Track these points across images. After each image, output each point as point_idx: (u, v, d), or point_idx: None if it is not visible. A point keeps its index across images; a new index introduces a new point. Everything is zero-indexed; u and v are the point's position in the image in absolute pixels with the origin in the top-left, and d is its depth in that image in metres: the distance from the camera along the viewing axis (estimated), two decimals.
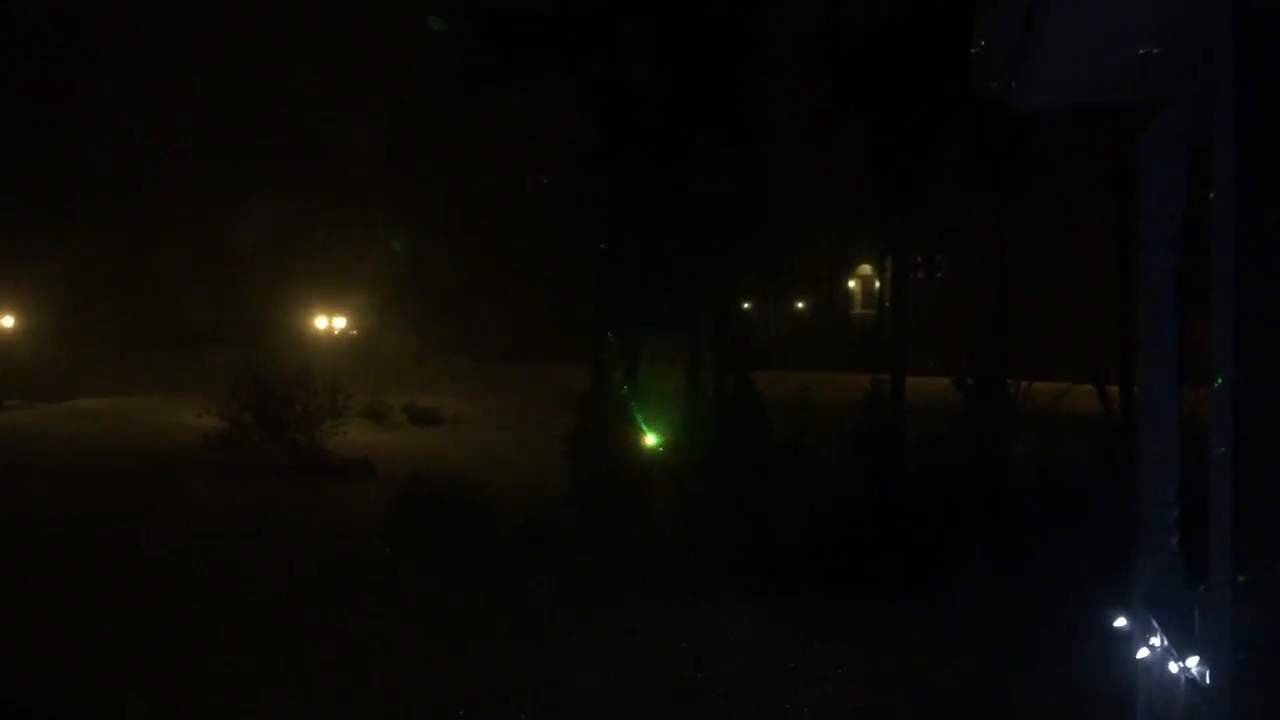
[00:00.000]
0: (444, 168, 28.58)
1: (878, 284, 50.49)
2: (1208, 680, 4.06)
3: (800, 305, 52.03)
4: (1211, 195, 3.73)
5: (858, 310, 53.27)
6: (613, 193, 25.22)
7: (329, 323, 34.79)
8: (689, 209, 25.08)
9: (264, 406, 26.60)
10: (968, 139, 23.93)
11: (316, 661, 11.07)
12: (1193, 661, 4.51)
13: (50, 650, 11.17)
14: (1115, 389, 22.50)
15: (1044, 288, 25.95)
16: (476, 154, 26.68)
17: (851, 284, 53.99)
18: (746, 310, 40.08)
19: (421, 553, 15.33)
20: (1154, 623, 5.25)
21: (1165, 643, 5.08)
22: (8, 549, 15.87)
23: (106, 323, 40.25)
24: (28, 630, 11.91)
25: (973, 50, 5.50)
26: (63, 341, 38.75)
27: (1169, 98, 5.22)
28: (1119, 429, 18.76)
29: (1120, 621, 5.58)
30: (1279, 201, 3.40)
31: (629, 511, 18.08)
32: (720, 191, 25.26)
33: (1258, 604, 3.49)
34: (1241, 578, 3.45)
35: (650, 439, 20.85)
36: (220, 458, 25.27)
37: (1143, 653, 5.32)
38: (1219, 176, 3.66)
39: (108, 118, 37.63)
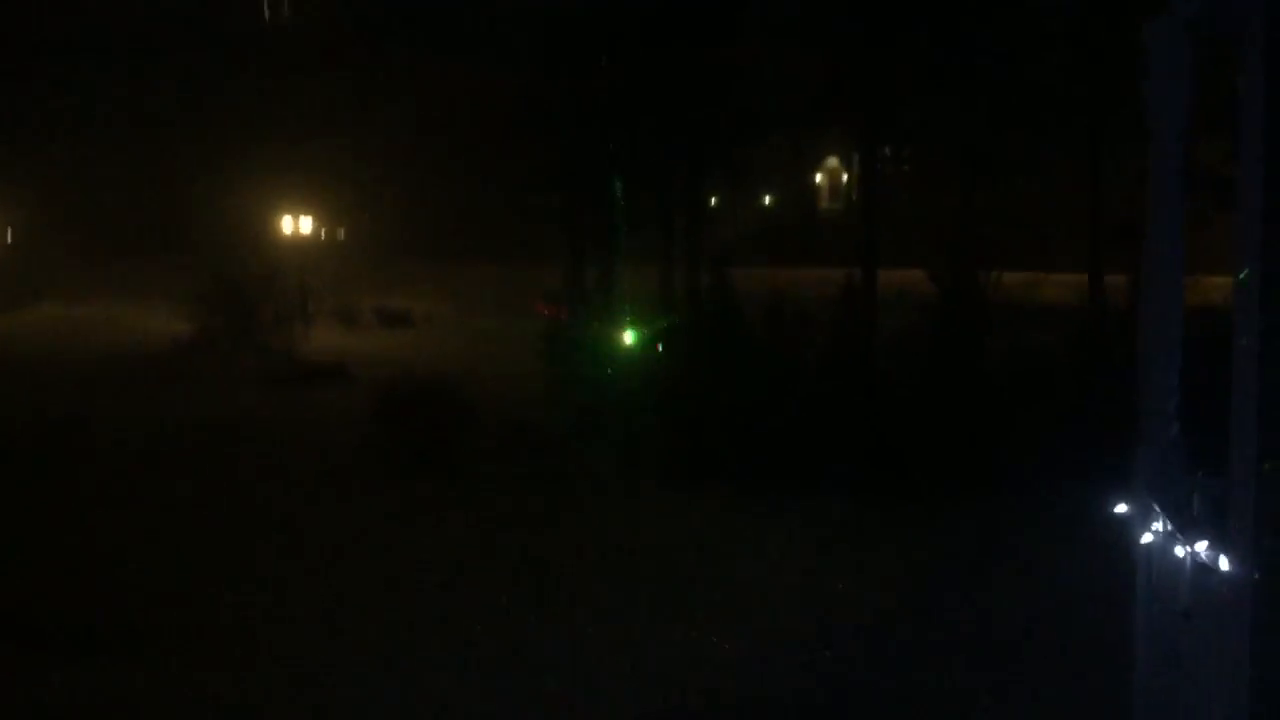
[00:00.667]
0: (411, 67, 28.02)
1: (845, 178, 50.32)
2: (1222, 564, 4.17)
3: (767, 201, 51.78)
4: (1239, 86, 3.72)
5: (825, 205, 53.07)
6: (581, 90, 24.88)
7: (295, 225, 34.30)
8: (657, 103, 24.80)
9: (234, 311, 26.37)
10: (937, 27, 23.63)
11: (300, 560, 11.15)
12: (1201, 545, 4.61)
13: (23, 555, 11.15)
14: (1085, 277, 22.71)
15: (1014, 179, 25.93)
16: (444, 53, 26.14)
17: (819, 178, 53.71)
18: (714, 206, 39.83)
19: (402, 455, 15.36)
20: (1156, 508, 5.36)
21: (1169, 527, 5.19)
22: None
23: (71, 229, 39.60)
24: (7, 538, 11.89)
25: None
26: (26, 248, 38.12)
27: None
28: (1105, 318, 18.91)
29: (1121, 507, 5.69)
30: None
31: (604, 410, 18.15)
32: (688, 85, 24.95)
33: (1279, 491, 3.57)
34: (1267, 465, 3.53)
35: (625, 337, 20.85)
36: (190, 363, 25.12)
37: (1146, 537, 5.43)
38: (1248, 69, 3.65)
39: (65, 21, 36.56)
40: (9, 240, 38.26)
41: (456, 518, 12.94)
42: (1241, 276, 3.46)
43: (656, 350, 19.17)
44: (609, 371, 19.19)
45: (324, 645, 8.77)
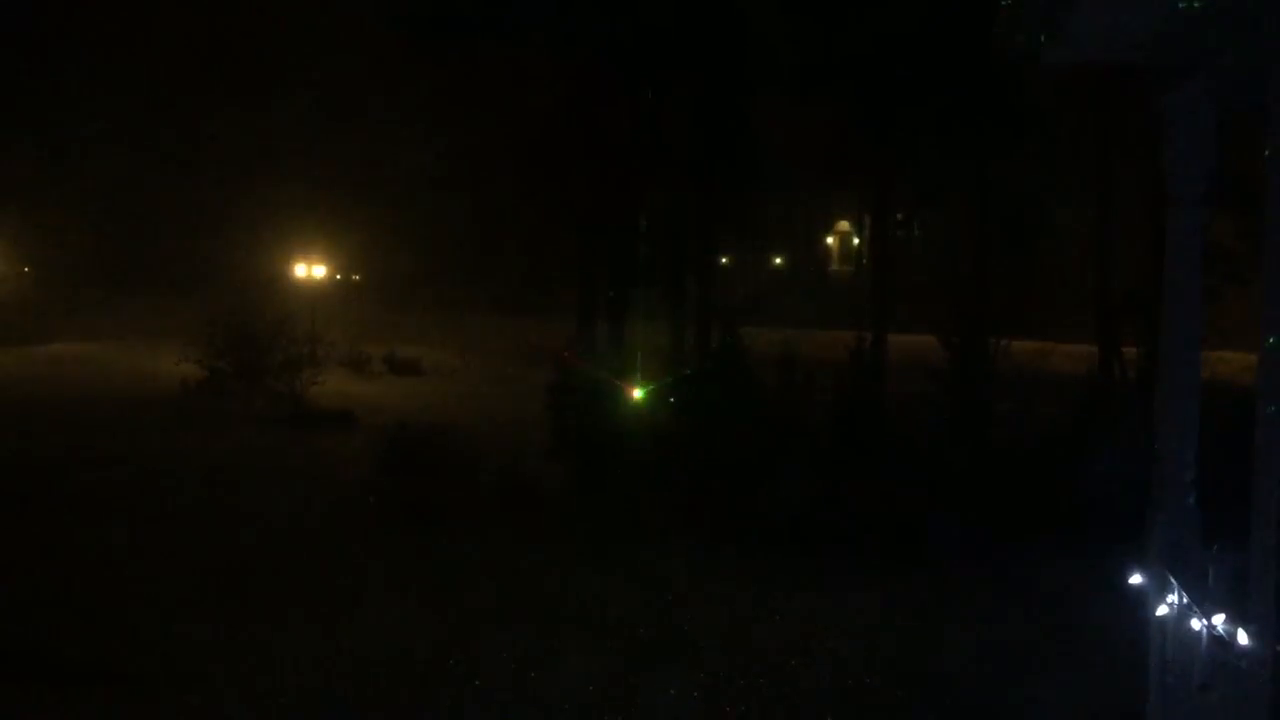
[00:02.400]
0: (427, 120, 28.29)
1: (856, 240, 50.58)
2: (1240, 638, 4.11)
3: (778, 261, 52.00)
4: (1267, 153, 3.71)
5: (835, 267, 53.30)
6: (596, 145, 25.07)
7: (308, 271, 34.46)
8: (672, 164, 24.98)
9: (243, 354, 26.41)
10: (950, 96, 23.78)
11: (292, 607, 11.03)
12: (1218, 619, 4.55)
13: (35, 592, 11.10)
14: (1096, 348, 22.68)
15: (1026, 246, 26.00)
16: (460, 106, 26.40)
17: (830, 240, 53.98)
18: (726, 265, 39.97)
19: (403, 503, 15.26)
20: (1172, 580, 5.30)
21: (1184, 599, 5.13)
22: None
23: (85, 268, 39.86)
24: (15, 571, 11.83)
25: (1003, 1, 5.46)
26: (40, 286, 38.34)
27: (1202, 58, 5.19)
28: (1123, 389, 18.85)
29: (1136, 579, 5.63)
30: None
31: (609, 465, 18.07)
32: (703, 147, 25.14)
33: None
34: None
35: (634, 392, 20.81)
36: (199, 406, 25.12)
37: (1161, 610, 5.37)
38: (1271, 131, 3.64)
39: (86, 62, 37.04)
40: (28, 276, 38.43)
41: (443, 574, 12.69)
42: (1270, 342, 3.43)
43: (665, 405, 19.12)
44: (616, 425, 19.13)
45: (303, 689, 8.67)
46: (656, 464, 16.81)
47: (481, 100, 26.67)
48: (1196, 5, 4.72)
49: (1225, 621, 4.47)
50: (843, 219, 52.34)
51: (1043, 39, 5.34)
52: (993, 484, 14.27)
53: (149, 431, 22.10)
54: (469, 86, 26.64)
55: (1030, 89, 21.02)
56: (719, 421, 16.39)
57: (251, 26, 36.21)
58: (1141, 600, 5.60)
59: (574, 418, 19.46)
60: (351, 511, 15.48)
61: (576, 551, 13.67)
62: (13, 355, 32.22)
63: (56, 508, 15.04)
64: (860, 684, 9.13)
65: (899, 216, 30.92)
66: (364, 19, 30.19)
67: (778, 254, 52.12)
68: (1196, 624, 4.89)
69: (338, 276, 39.48)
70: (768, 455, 16.02)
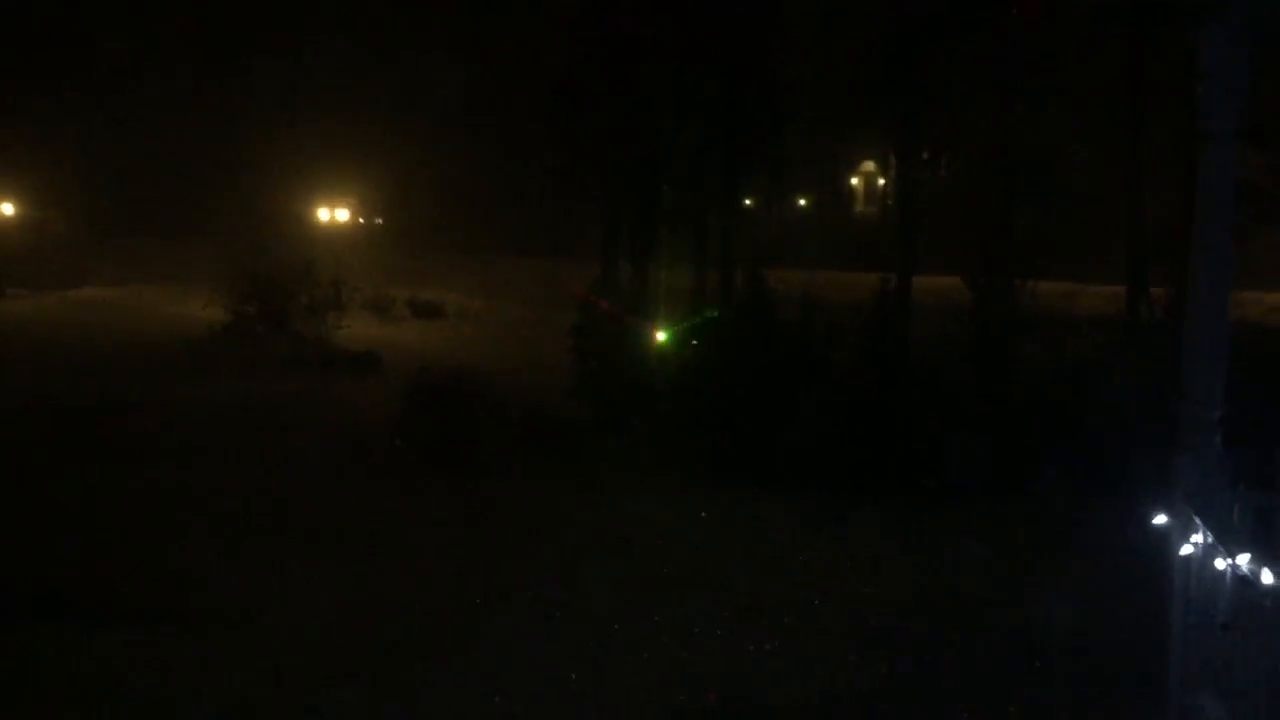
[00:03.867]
0: (451, 62, 28.10)
1: (881, 181, 50.12)
2: (1265, 577, 4.11)
3: (803, 203, 51.66)
4: None
5: (860, 208, 52.92)
6: (620, 89, 24.90)
7: (332, 215, 34.50)
8: (695, 103, 24.79)
9: (268, 298, 26.50)
10: (977, 31, 23.44)
11: (325, 548, 11.21)
12: (1243, 558, 4.55)
13: (67, 535, 11.30)
14: (1123, 289, 22.50)
15: (1054, 187, 25.72)
16: (484, 47, 26.22)
17: (854, 181, 53.55)
18: (749, 207, 39.75)
19: (428, 443, 15.40)
20: (1196, 520, 5.30)
21: (1209, 539, 5.13)
22: (17, 438, 15.93)
23: (113, 213, 40.02)
24: (49, 516, 12.03)
25: None
26: (66, 230, 38.52)
27: None
28: (1151, 329, 18.73)
29: (1160, 518, 5.63)
30: None
31: (634, 405, 18.13)
32: (726, 85, 24.93)
33: None
34: None
35: (658, 334, 20.81)
36: (225, 350, 25.26)
37: (1185, 549, 5.37)
38: None
39: (118, 9, 36.95)
40: (58, 226, 38.60)
41: (476, 509, 12.97)
42: None
43: (689, 347, 19.11)
44: (639, 367, 19.16)
45: (342, 632, 8.82)
46: (679, 404, 16.85)
47: (505, 41, 26.48)
48: None
49: (1250, 561, 4.47)
50: (868, 160, 51.83)
51: None
52: (1014, 421, 14.24)
53: (176, 376, 22.29)
54: (493, 26, 26.45)
55: (1059, 24, 20.69)
56: (741, 362, 16.37)
57: None
58: (1165, 538, 5.61)
59: (596, 359, 19.51)
60: (379, 452, 15.63)
61: (600, 489, 13.87)
62: (43, 300, 32.46)
63: (88, 452, 15.21)
64: (874, 607, 9.23)
65: (924, 156, 30.63)
66: None
67: (802, 196, 51.78)
68: (1221, 563, 4.89)
69: (361, 220, 39.47)
70: (790, 395, 16.03)
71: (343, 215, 34.99)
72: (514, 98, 26.95)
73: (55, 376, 21.37)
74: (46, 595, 9.52)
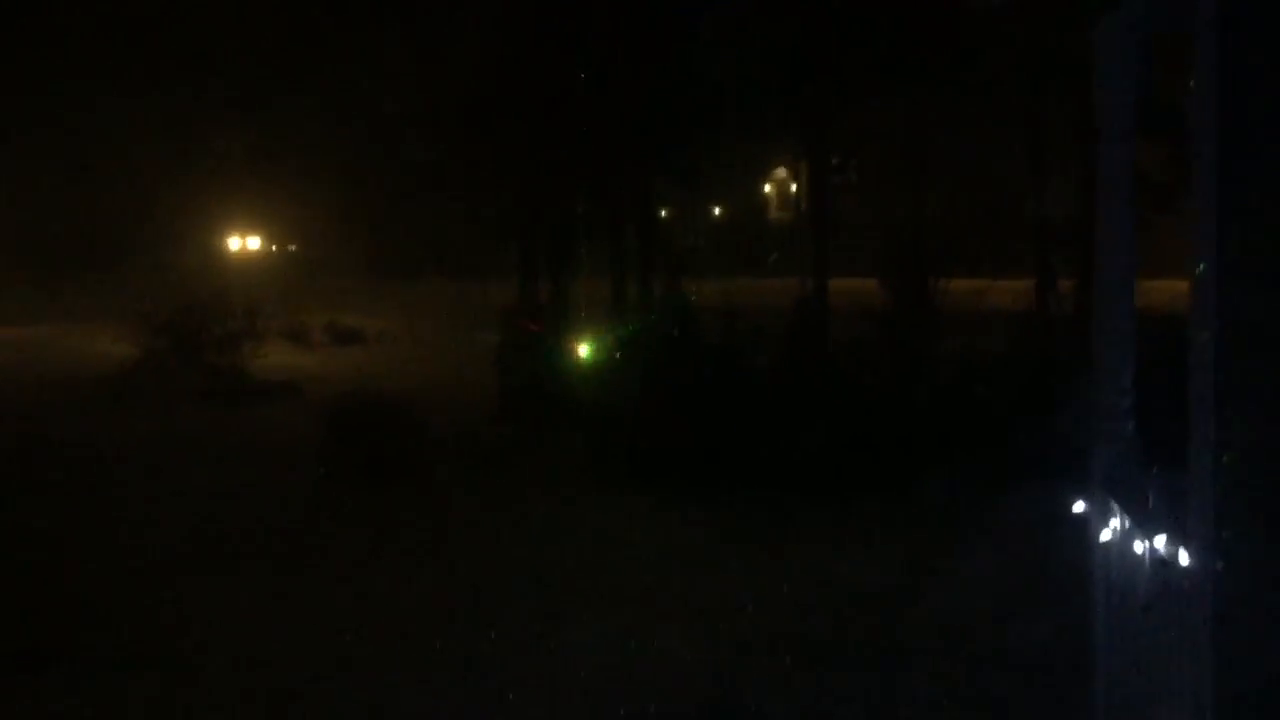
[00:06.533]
0: (354, 75, 27.83)
1: (794, 187, 50.63)
2: (1181, 557, 4.20)
3: (717, 211, 51.99)
4: (1192, 83, 3.76)
5: (775, 214, 53.42)
6: (529, 101, 24.86)
7: (243, 243, 34.02)
8: (606, 114, 24.83)
9: (179, 331, 26.00)
10: (881, 35, 23.81)
11: (252, 578, 11.04)
12: (1160, 540, 4.65)
13: None
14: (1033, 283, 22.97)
15: (961, 185, 26.23)
16: (394, 62, 26.03)
17: (768, 188, 54.04)
18: (665, 218, 39.91)
19: (351, 469, 15.26)
20: (1114, 505, 5.40)
21: (1127, 524, 5.24)
22: None
23: (12, 251, 38.96)
24: None
25: None
26: None
27: None
28: (1060, 320, 19.17)
29: (1079, 506, 5.74)
30: (1261, 87, 3.44)
31: (558, 422, 18.13)
32: (636, 94, 25.00)
33: (1238, 483, 3.62)
34: (1225, 458, 3.57)
35: (579, 349, 20.82)
36: (138, 386, 24.68)
37: (1105, 535, 5.48)
38: (1201, 60, 3.69)
39: (11, 42, 36.01)
40: None
41: (397, 525, 12.94)
42: (1199, 270, 3.49)
43: (610, 360, 19.16)
44: (563, 382, 19.17)
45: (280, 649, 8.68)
46: (601, 419, 16.86)
47: (411, 58, 26.31)
48: None
49: (1166, 542, 4.57)
50: (779, 166, 52.33)
51: None
52: (931, 419, 14.47)
53: (88, 413, 21.75)
54: (399, 44, 26.27)
55: (963, 26, 21.10)
56: (663, 374, 16.44)
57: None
58: (1084, 526, 5.72)
59: (518, 378, 19.47)
60: (302, 480, 15.42)
61: (521, 505, 13.89)
62: None
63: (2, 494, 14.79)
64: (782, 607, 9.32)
65: (834, 161, 31.03)
66: None
67: (717, 203, 52.08)
68: (1139, 546, 5.00)
69: (273, 248, 38.95)
70: (712, 404, 16.12)
71: (254, 243, 34.49)
72: (420, 119, 26.76)
73: None
74: None
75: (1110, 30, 5.28)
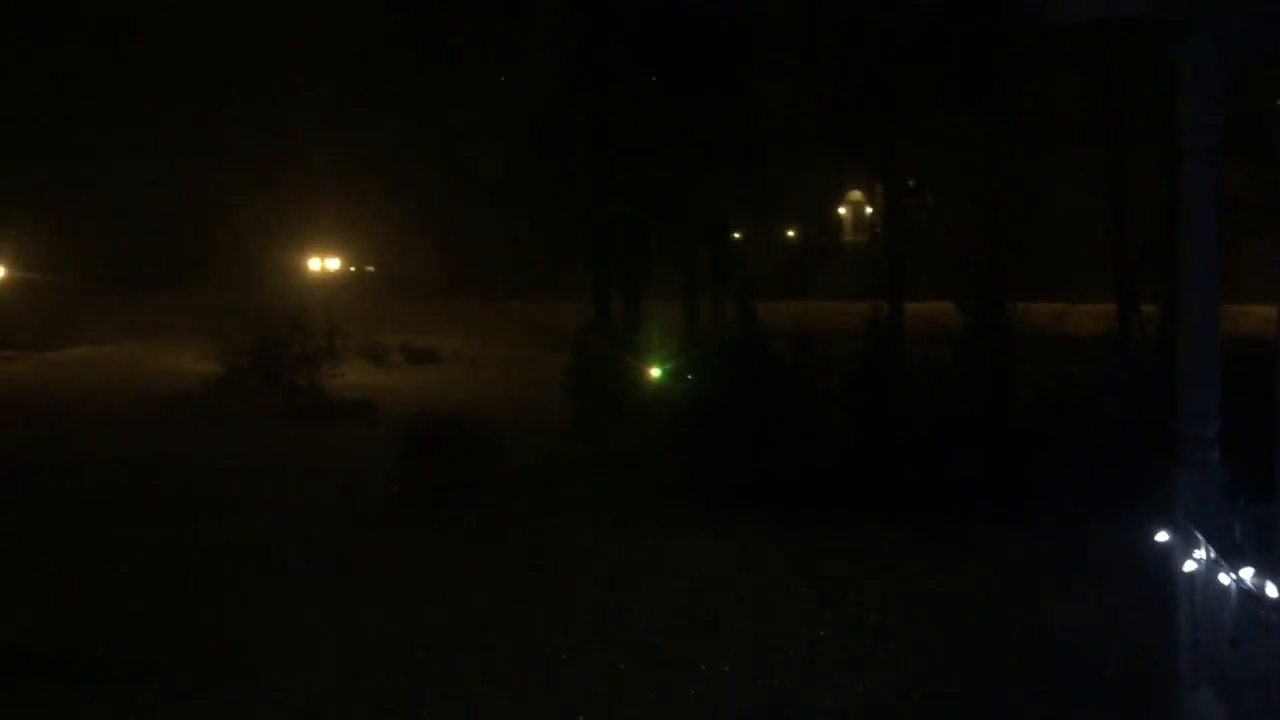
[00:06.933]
0: (435, 102, 28.23)
1: (869, 210, 50.33)
2: (1269, 590, 4.10)
3: (791, 234, 51.80)
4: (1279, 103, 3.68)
5: (849, 237, 53.10)
6: (605, 126, 25.02)
7: (322, 264, 34.56)
8: (682, 140, 24.90)
9: (261, 350, 26.46)
10: (957, 58, 23.59)
11: (328, 593, 11.14)
12: (1247, 572, 4.54)
13: (62, 595, 11.19)
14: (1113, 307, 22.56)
15: (1040, 208, 25.88)
16: (472, 90, 26.36)
17: (842, 211, 53.75)
18: (738, 240, 39.89)
19: (426, 490, 15.37)
20: (1198, 535, 5.28)
21: (1211, 555, 5.11)
22: (16, 500, 15.82)
23: (100, 270, 39.98)
24: (45, 577, 11.94)
25: None
26: (58, 289, 38.46)
27: (1210, 8, 5.13)
28: (1143, 346, 18.75)
29: (1162, 536, 5.61)
30: None
31: (629, 442, 18.16)
32: (711, 121, 25.05)
33: None
34: None
35: (652, 371, 20.83)
36: (219, 403, 25.19)
37: (1189, 565, 5.35)
38: None
39: (100, 64, 37.08)
40: (44, 282, 38.56)
41: (476, 551, 12.95)
42: None
43: (682, 382, 19.14)
44: (636, 404, 19.19)
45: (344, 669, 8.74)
46: (676, 440, 16.84)
47: (488, 84, 26.62)
48: None
49: (1254, 575, 4.46)
50: (855, 189, 52.04)
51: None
52: (1011, 445, 14.25)
53: (171, 431, 22.21)
54: (475, 71, 26.60)
55: (1037, 47, 20.84)
56: (737, 396, 16.39)
57: (258, 15, 36.21)
58: (1168, 556, 5.59)
59: (592, 399, 19.54)
60: (375, 499, 15.57)
61: (598, 528, 13.85)
62: (32, 362, 32.37)
63: (86, 511, 15.12)
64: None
65: (910, 184, 30.78)
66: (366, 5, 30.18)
67: (790, 227, 51.89)
68: (1225, 578, 4.88)
69: (352, 268, 39.55)
70: (787, 426, 16.06)
71: (333, 264, 35.01)
72: (499, 141, 27.05)
73: (50, 436, 21.28)
74: (35, 654, 9.42)
75: (1191, 51, 5.19)
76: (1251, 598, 4.43)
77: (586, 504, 15.10)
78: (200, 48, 37.63)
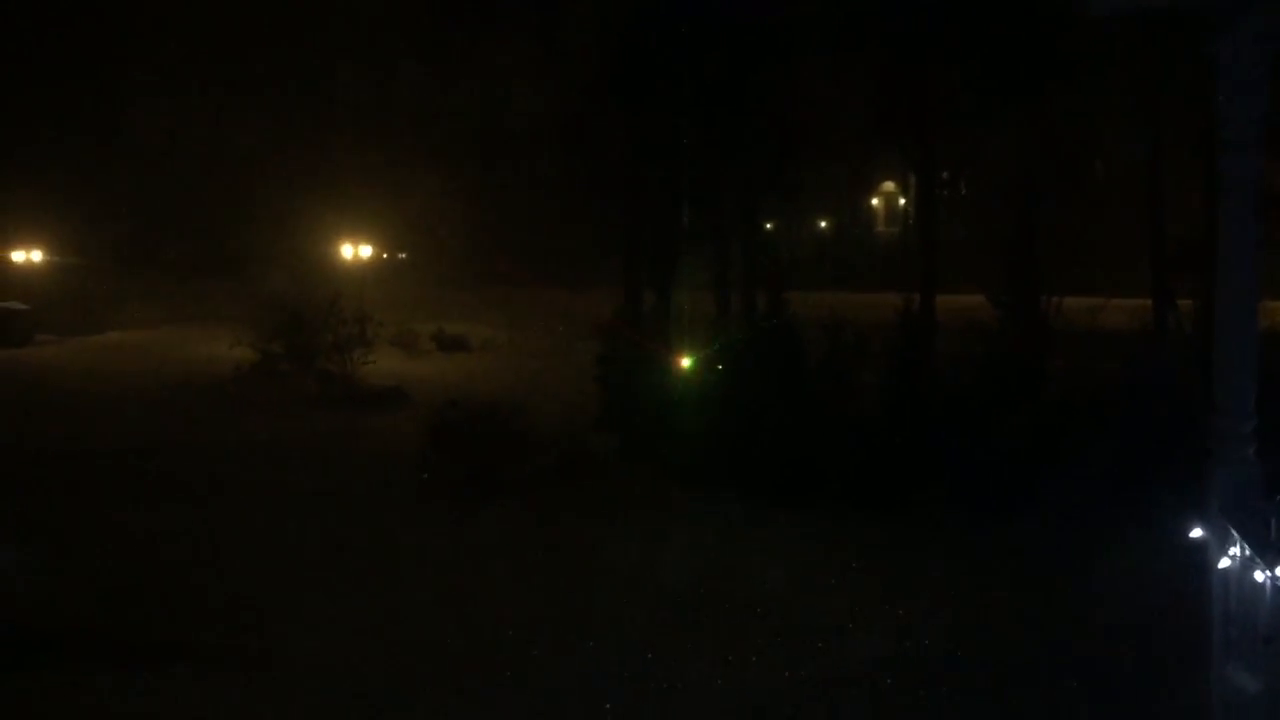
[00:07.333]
0: (471, 93, 28.30)
1: (901, 201, 50.05)
2: None
3: (823, 224, 51.59)
4: None
5: (881, 228, 52.84)
6: (637, 117, 24.97)
7: (355, 251, 34.70)
8: (713, 130, 24.82)
9: (294, 337, 26.63)
10: (994, 49, 23.35)
11: (356, 578, 11.22)
12: None
13: (104, 575, 11.33)
14: (1150, 302, 22.33)
15: (1074, 201, 25.59)
16: (505, 78, 26.40)
17: (875, 202, 53.51)
18: (769, 230, 39.76)
19: (455, 477, 15.44)
20: (1233, 532, 5.23)
21: (1247, 551, 5.06)
22: (44, 480, 16.00)
23: (134, 256, 40.29)
24: (82, 553, 12.08)
25: None
26: (93, 274, 38.79)
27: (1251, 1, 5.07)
28: (1179, 342, 18.52)
29: (1197, 532, 5.56)
30: None
31: (659, 432, 18.12)
32: (743, 107, 24.93)
33: None
34: None
35: (682, 361, 20.79)
36: (253, 389, 25.37)
37: (1223, 562, 5.30)
38: None
39: (136, 49, 37.35)
40: (78, 267, 38.92)
41: (505, 537, 13.00)
42: None
43: (713, 372, 19.08)
44: (665, 394, 19.14)
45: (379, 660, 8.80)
46: (705, 432, 16.81)
47: (522, 74, 26.66)
48: None
49: None
50: (887, 180, 51.77)
51: None
52: (1045, 440, 14.15)
53: (205, 417, 22.40)
54: (510, 59, 26.63)
55: (1075, 39, 20.62)
56: (768, 388, 16.34)
57: (289, 11, 36.38)
58: (1202, 552, 5.54)
59: (621, 389, 19.52)
60: (407, 487, 15.65)
61: (625, 518, 13.88)
62: (67, 346, 32.66)
63: (122, 494, 15.28)
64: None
65: (944, 175, 30.55)
66: None
67: (822, 217, 51.69)
68: (1260, 576, 4.83)
69: (384, 256, 39.66)
70: (817, 419, 15.99)
71: (366, 251, 35.13)
72: (531, 130, 27.08)
73: (86, 420, 21.50)
74: (69, 635, 9.53)
75: (1231, 43, 5.13)
76: None
77: (612, 496, 15.12)
78: (244, 37, 37.84)
